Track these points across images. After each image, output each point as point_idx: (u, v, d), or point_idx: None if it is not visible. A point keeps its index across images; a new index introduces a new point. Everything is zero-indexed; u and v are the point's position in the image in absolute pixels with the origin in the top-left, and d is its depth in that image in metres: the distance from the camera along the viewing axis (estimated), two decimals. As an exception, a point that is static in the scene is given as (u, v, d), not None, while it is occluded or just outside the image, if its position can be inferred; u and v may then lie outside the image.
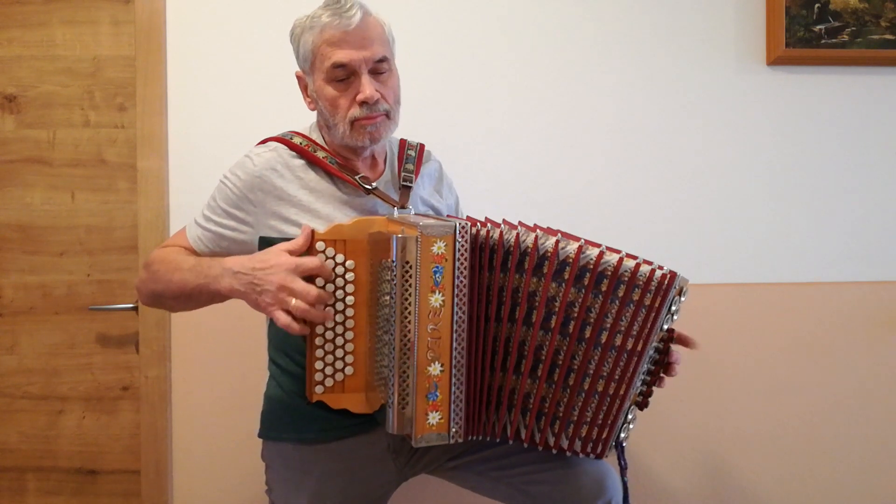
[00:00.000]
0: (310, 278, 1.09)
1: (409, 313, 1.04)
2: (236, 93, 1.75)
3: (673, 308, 1.13)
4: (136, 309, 1.77)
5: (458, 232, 1.04)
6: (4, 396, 1.80)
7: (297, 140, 1.26)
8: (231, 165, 1.26)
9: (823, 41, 1.79)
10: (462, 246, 1.05)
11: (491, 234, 1.09)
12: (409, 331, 1.04)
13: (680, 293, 1.13)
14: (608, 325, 1.10)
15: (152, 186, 1.75)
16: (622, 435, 1.18)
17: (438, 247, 1.04)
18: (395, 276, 1.03)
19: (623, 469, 1.21)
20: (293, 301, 1.05)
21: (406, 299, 1.04)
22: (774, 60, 1.81)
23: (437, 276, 1.04)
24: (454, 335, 1.06)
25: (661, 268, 1.09)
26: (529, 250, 1.09)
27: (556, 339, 1.11)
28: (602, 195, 1.81)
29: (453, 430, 1.08)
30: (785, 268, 1.84)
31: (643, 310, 1.10)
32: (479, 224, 1.10)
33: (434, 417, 1.07)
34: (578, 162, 1.81)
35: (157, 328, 1.76)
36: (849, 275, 1.85)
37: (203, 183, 1.61)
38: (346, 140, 1.23)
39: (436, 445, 1.26)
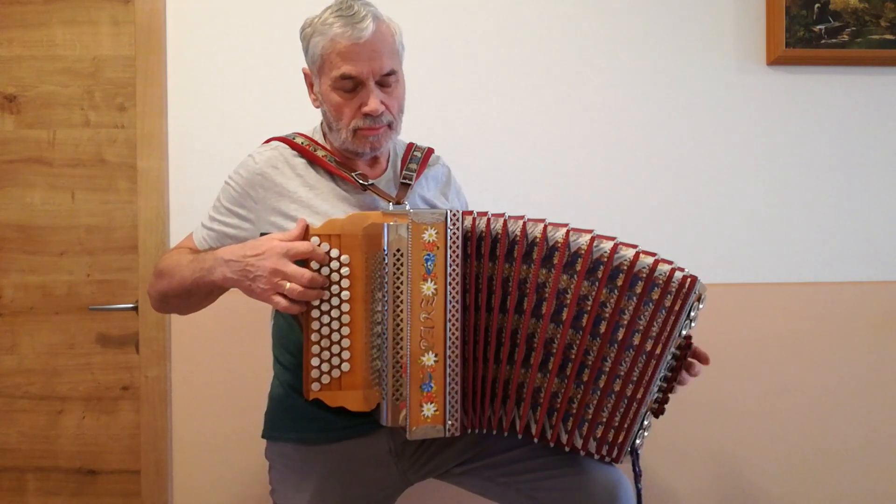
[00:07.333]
0: (303, 264, 1.08)
1: (401, 301, 1.03)
2: (236, 93, 1.75)
3: (692, 314, 1.10)
4: (136, 309, 1.77)
5: (449, 220, 1.04)
6: (4, 396, 1.79)
7: (299, 140, 1.28)
8: (235, 166, 1.28)
9: (823, 41, 1.79)
10: (454, 234, 1.05)
11: (481, 224, 1.08)
12: (401, 319, 1.03)
13: (699, 300, 1.11)
14: (624, 322, 1.08)
15: (152, 186, 1.75)
16: (637, 441, 1.16)
17: (430, 234, 1.04)
18: (386, 265, 1.02)
19: (637, 476, 1.17)
20: (287, 285, 1.04)
21: (398, 287, 1.03)
22: (774, 60, 1.81)
23: (428, 263, 1.04)
24: (448, 324, 1.05)
25: (682, 269, 1.08)
26: (532, 239, 1.08)
27: (569, 332, 1.09)
28: (602, 195, 1.81)
29: (449, 423, 1.06)
30: (785, 268, 1.84)
31: (663, 311, 1.08)
32: (473, 214, 1.09)
33: (429, 409, 1.05)
34: (578, 162, 1.81)
35: (157, 328, 1.76)
36: (849, 275, 1.85)
37: (203, 183, 1.62)
38: (346, 145, 1.24)
39: (441, 450, 1.24)
